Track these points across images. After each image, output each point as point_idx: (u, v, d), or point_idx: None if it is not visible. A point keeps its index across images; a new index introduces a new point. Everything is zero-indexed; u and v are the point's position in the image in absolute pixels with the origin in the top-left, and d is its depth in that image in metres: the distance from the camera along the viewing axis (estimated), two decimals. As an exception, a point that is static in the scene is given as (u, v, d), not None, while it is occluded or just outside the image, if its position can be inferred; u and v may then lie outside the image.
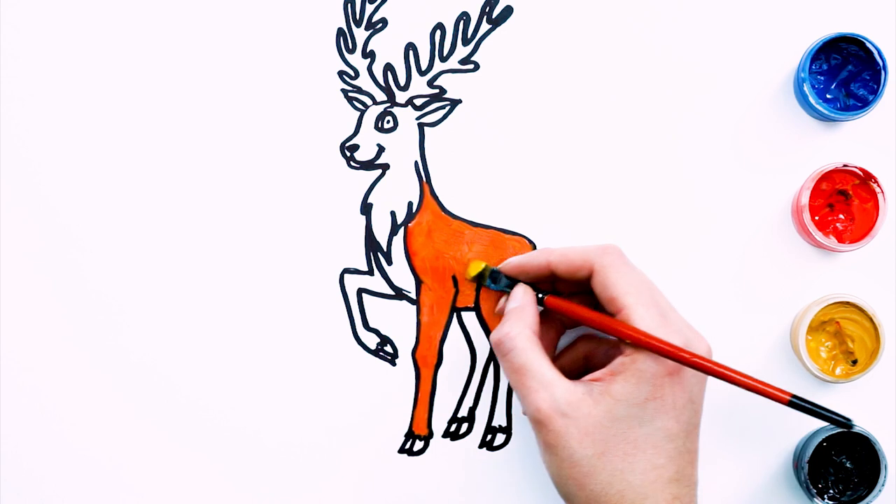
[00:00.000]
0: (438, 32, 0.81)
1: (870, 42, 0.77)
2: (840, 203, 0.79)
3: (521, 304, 0.75)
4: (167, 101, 0.82)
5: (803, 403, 0.69)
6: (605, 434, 0.69)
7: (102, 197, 0.82)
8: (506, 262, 0.77)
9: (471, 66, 0.81)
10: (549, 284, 0.77)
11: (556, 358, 0.78)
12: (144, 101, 0.82)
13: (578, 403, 0.70)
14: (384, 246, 0.82)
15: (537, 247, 0.81)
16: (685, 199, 0.81)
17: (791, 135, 0.80)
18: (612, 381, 0.70)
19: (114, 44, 0.82)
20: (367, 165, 0.82)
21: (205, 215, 0.82)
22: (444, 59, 0.81)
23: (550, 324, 0.77)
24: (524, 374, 0.71)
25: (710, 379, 0.80)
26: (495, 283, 0.77)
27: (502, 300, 0.77)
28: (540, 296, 0.75)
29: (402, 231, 0.82)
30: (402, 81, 0.81)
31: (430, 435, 0.82)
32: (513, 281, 0.77)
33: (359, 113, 0.82)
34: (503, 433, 0.82)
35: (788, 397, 0.69)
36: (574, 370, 0.77)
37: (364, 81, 0.82)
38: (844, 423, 0.69)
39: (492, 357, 0.82)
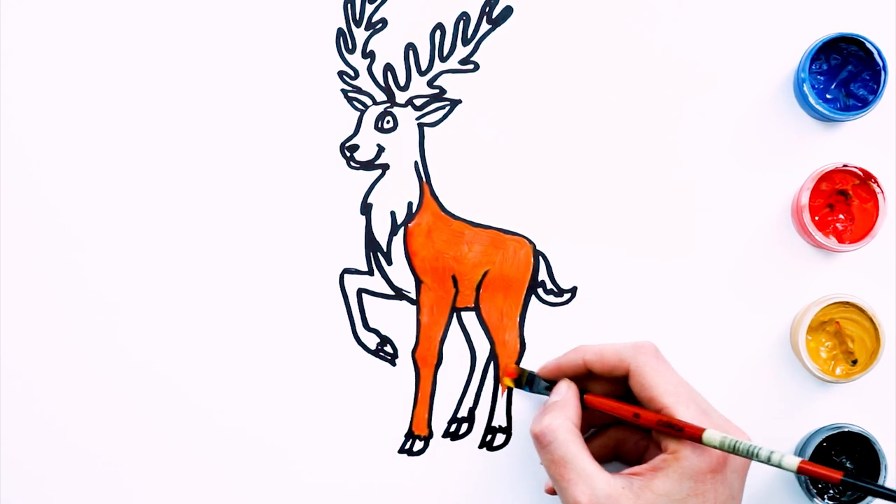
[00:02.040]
0: (438, 32, 0.81)
1: (870, 42, 0.77)
2: (840, 203, 0.79)
3: (564, 399, 0.75)
4: (167, 102, 0.82)
5: (856, 482, 0.69)
6: None
7: (102, 197, 0.82)
8: (543, 367, 0.78)
9: (471, 67, 0.81)
10: (585, 385, 0.77)
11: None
12: (144, 101, 0.82)
13: (618, 498, 0.69)
14: (384, 246, 0.82)
15: (536, 246, 0.81)
16: (685, 199, 0.81)
17: (791, 135, 0.80)
18: (654, 477, 0.70)
19: (114, 44, 0.82)
20: (367, 165, 0.82)
21: (205, 215, 0.82)
22: (444, 60, 0.81)
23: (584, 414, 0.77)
24: (564, 466, 0.71)
25: (703, 377, 0.81)
26: (532, 388, 0.78)
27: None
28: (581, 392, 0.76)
29: (402, 231, 0.82)
30: (402, 81, 0.82)
31: (430, 435, 0.82)
32: (550, 383, 0.77)
33: (359, 113, 0.82)
34: (503, 433, 0.82)
35: (840, 476, 0.69)
36: (604, 458, 0.77)
37: (364, 81, 0.82)
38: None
39: (492, 357, 0.82)
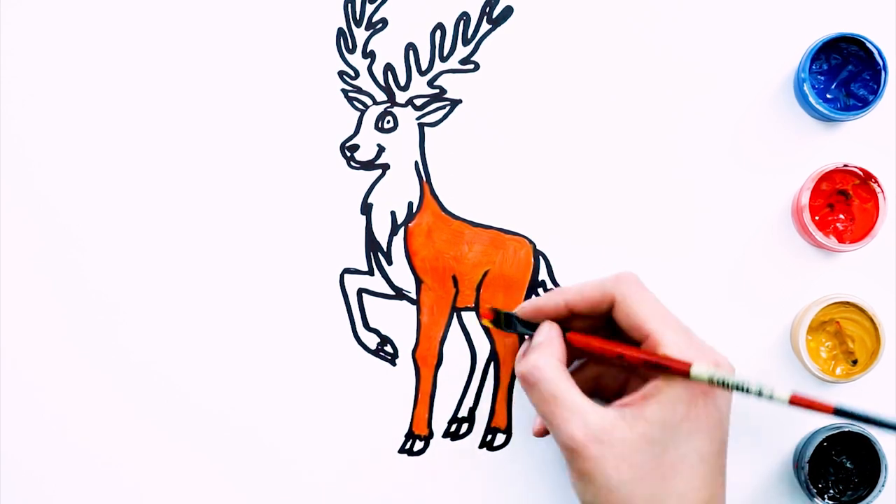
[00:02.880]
0: (438, 32, 0.81)
1: (870, 42, 0.77)
2: (840, 203, 0.79)
3: (547, 338, 0.74)
4: (167, 102, 0.82)
5: (849, 410, 0.68)
6: (641, 458, 0.69)
7: (102, 197, 0.82)
8: (521, 307, 0.76)
9: (471, 66, 0.81)
10: (565, 323, 0.76)
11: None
12: (144, 101, 0.82)
13: (612, 429, 0.69)
14: (384, 246, 0.82)
15: (536, 246, 0.81)
16: (685, 199, 0.81)
17: (791, 135, 0.80)
18: (646, 405, 0.69)
19: (114, 44, 0.82)
20: (368, 165, 0.82)
21: (205, 215, 0.82)
22: (444, 59, 0.81)
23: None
24: (555, 403, 0.70)
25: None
26: (509, 327, 0.77)
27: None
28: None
29: (402, 231, 0.82)
30: (403, 81, 0.82)
31: (430, 435, 0.82)
32: (530, 325, 0.76)
33: (359, 113, 0.82)
34: (503, 433, 0.82)
35: (832, 409, 0.68)
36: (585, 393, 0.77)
37: (364, 81, 0.82)
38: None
39: (492, 357, 0.82)
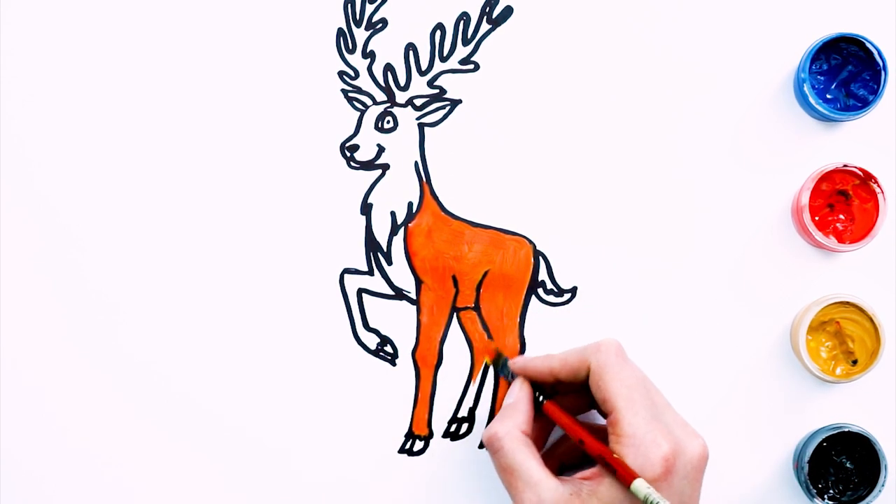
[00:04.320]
0: (438, 32, 0.81)
1: (870, 42, 0.77)
2: (840, 203, 0.79)
3: (515, 402, 0.74)
4: (167, 102, 0.82)
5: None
6: None
7: (102, 197, 0.82)
8: (514, 361, 0.77)
9: (471, 66, 0.81)
10: (552, 385, 0.76)
11: (554, 446, 0.78)
12: (144, 101, 0.82)
13: None
14: (384, 246, 0.82)
15: (536, 246, 0.81)
16: (685, 199, 0.81)
17: (791, 135, 0.80)
18: (600, 483, 0.69)
19: (114, 44, 0.82)
20: (367, 165, 0.82)
21: (205, 215, 0.82)
22: (444, 60, 0.81)
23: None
24: (511, 473, 0.71)
25: (703, 377, 0.81)
26: (504, 374, 0.78)
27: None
28: (541, 398, 0.75)
29: (402, 231, 0.82)
30: (402, 81, 0.82)
31: (430, 435, 0.82)
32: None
33: (359, 113, 0.82)
34: (503, 433, 0.82)
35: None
36: (573, 459, 0.77)
37: (364, 81, 0.82)
38: None
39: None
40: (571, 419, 0.73)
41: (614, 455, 0.69)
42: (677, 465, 0.69)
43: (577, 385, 0.75)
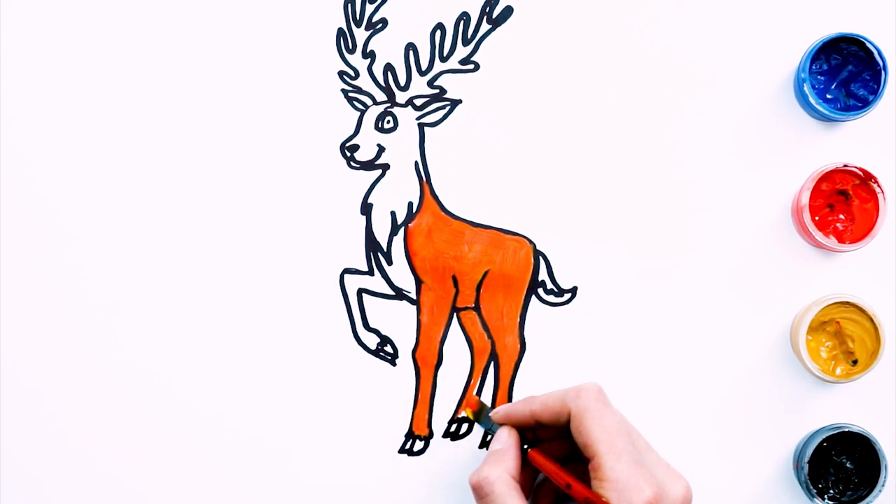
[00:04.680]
0: (438, 32, 0.81)
1: (870, 42, 0.77)
2: (840, 203, 0.79)
3: (504, 448, 0.74)
4: (167, 102, 0.82)
5: None
6: None
7: (102, 197, 0.82)
8: (495, 411, 0.76)
9: (471, 66, 0.81)
10: (534, 431, 0.76)
11: (541, 488, 0.78)
12: (145, 101, 0.82)
13: None
14: (384, 246, 0.82)
15: (536, 246, 0.81)
16: (685, 199, 0.81)
17: (791, 135, 0.80)
18: None
19: (114, 44, 0.82)
20: (368, 165, 0.82)
21: (205, 215, 0.82)
22: (444, 60, 0.81)
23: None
24: None
25: (703, 377, 0.80)
26: (484, 423, 0.77)
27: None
28: (525, 447, 0.74)
29: (402, 231, 0.82)
30: (403, 81, 0.82)
31: (430, 435, 0.82)
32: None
33: (359, 113, 0.82)
34: (503, 433, 0.82)
35: None
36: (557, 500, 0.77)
37: (364, 81, 0.82)
38: None
39: (492, 357, 0.82)
40: (556, 466, 0.73)
41: (603, 499, 0.69)
42: None
43: (560, 429, 0.75)
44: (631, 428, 0.72)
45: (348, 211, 0.82)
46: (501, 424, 0.75)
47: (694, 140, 0.81)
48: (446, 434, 0.82)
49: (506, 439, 0.75)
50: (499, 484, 0.71)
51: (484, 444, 0.82)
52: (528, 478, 0.76)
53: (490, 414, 0.76)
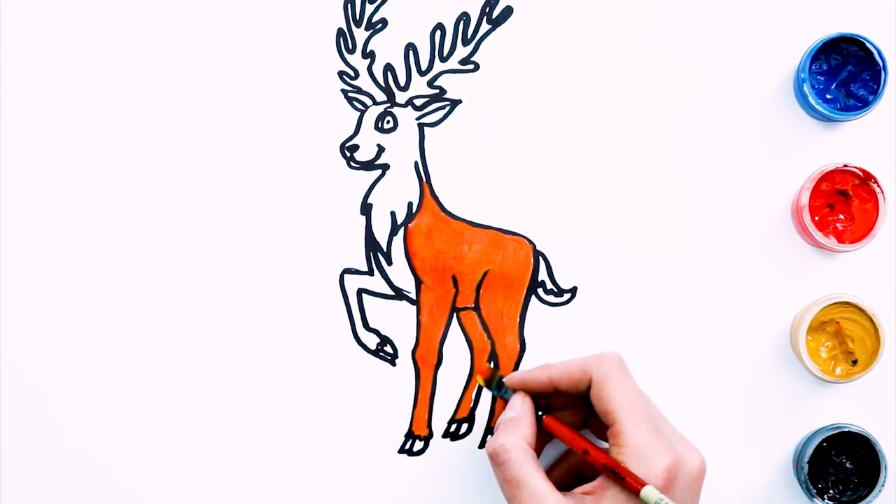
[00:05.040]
0: (438, 33, 0.81)
1: (870, 42, 0.77)
2: (840, 203, 0.79)
3: (518, 415, 0.74)
4: (167, 102, 0.82)
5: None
6: None
7: (102, 197, 0.82)
8: (510, 377, 0.77)
9: (471, 67, 0.81)
10: (547, 399, 0.76)
11: (551, 465, 0.79)
12: (144, 101, 0.82)
13: None
14: (384, 246, 0.82)
15: (536, 246, 0.81)
16: (685, 199, 0.81)
17: (791, 135, 0.80)
18: (602, 496, 0.70)
19: (114, 44, 0.82)
20: (367, 165, 0.82)
21: (205, 215, 0.82)
22: (444, 60, 0.81)
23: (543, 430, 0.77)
24: (517, 486, 0.71)
25: (703, 377, 0.80)
26: (500, 392, 0.77)
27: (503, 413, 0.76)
28: (539, 413, 0.75)
29: (402, 231, 0.82)
30: (402, 81, 0.82)
31: (430, 435, 0.82)
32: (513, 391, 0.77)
33: (359, 113, 0.82)
34: (503, 433, 0.82)
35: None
36: (567, 480, 0.78)
37: (364, 82, 0.82)
38: None
39: (492, 357, 0.82)
40: (573, 432, 0.73)
41: (622, 465, 0.69)
42: (678, 477, 0.70)
43: (573, 399, 0.75)
44: (648, 399, 0.73)
45: (348, 211, 0.82)
46: (515, 391, 0.76)
47: (694, 140, 0.81)
48: (446, 434, 0.82)
49: (520, 406, 0.75)
50: (515, 451, 0.72)
51: (483, 443, 0.82)
52: (541, 446, 0.76)
53: (504, 380, 0.76)
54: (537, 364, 0.81)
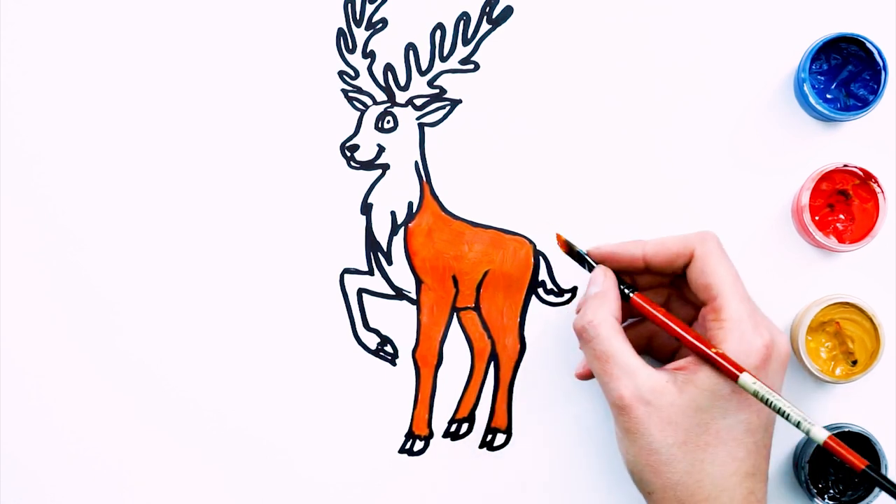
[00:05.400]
0: (438, 32, 0.81)
1: (870, 42, 0.77)
2: (840, 203, 0.79)
3: (604, 290, 0.74)
4: (167, 102, 0.82)
5: (876, 476, 0.68)
6: (686, 423, 0.69)
7: (102, 197, 0.82)
8: (596, 247, 0.76)
9: (471, 66, 0.81)
10: (634, 275, 0.76)
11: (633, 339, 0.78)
12: (145, 101, 0.82)
13: (662, 391, 0.69)
14: (384, 246, 0.82)
15: (536, 246, 0.81)
16: (685, 200, 0.81)
17: (791, 135, 0.80)
18: (698, 371, 0.70)
19: (114, 44, 0.82)
20: (368, 165, 0.82)
21: (205, 215, 0.82)
22: (444, 59, 0.81)
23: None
24: (607, 361, 0.71)
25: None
26: (578, 261, 0.76)
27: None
28: (626, 291, 0.74)
29: (402, 231, 0.82)
30: (403, 81, 0.82)
31: (430, 435, 0.82)
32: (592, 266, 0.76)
33: (359, 113, 0.82)
34: (503, 433, 0.82)
35: (863, 466, 0.68)
36: (636, 350, 0.77)
37: (364, 81, 0.82)
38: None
39: (492, 357, 0.82)
40: (664, 311, 0.73)
41: (714, 350, 0.69)
42: (773, 357, 0.70)
43: (655, 280, 0.75)
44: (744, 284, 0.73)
45: (348, 211, 0.82)
46: (597, 264, 0.75)
47: (694, 140, 0.81)
48: (446, 434, 0.82)
49: (602, 281, 0.74)
50: (605, 327, 0.72)
51: (483, 443, 0.82)
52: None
53: (590, 250, 0.76)
54: (537, 363, 0.81)
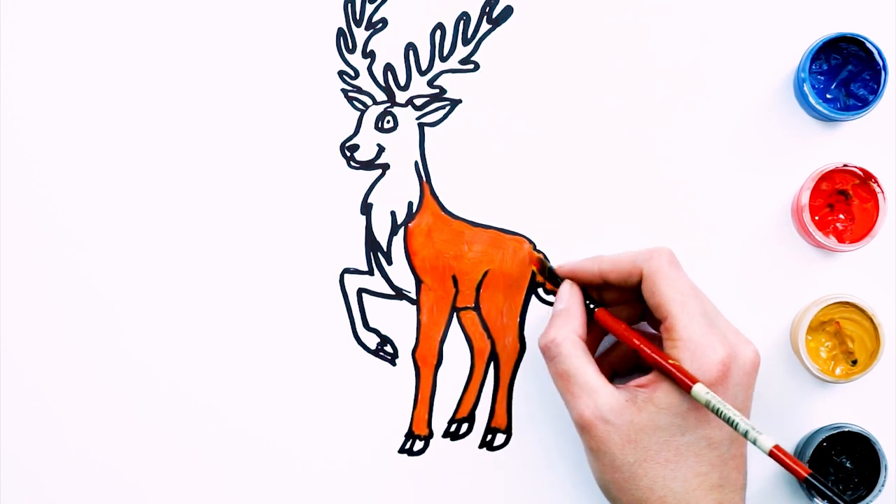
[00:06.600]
0: (438, 32, 0.81)
1: (870, 42, 0.77)
2: (840, 203, 0.79)
3: (568, 307, 0.74)
4: (167, 102, 0.82)
5: (817, 484, 0.68)
6: (646, 442, 0.69)
7: (102, 197, 0.82)
8: (560, 265, 0.77)
9: (471, 66, 0.81)
10: (600, 292, 0.77)
11: (606, 353, 0.79)
12: (145, 101, 0.82)
13: (621, 410, 0.70)
14: (384, 246, 0.82)
15: (536, 246, 0.81)
16: (685, 200, 0.81)
17: (791, 135, 0.80)
18: (656, 389, 0.70)
19: (114, 44, 0.82)
20: (367, 165, 0.82)
21: (205, 215, 0.82)
22: (444, 59, 0.81)
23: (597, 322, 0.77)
24: (568, 379, 0.71)
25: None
26: (551, 278, 0.77)
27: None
28: (591, 306, 0.75)
29: (402, 231, 0.82)
30: (403, 81, 0.82)
31: (430, 435, 0.82)
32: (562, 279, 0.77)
33: (359, 113, 0.82)
34: (503, 433, 0.82)
35: (805, 475, 0.68)
36: (624, 367, 0.78)
37: (364, 81, 0.82)
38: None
39: (492, 357, 0.82)
40: (625, 326, 0.73)
41: (670, 361, 0.69)
42: (732, 371, 0.70)
43: (624, 294, 0.75)
44: (701, 292, 0.72)
45: (348, 211, 0.82)
46: (563, 280, 0.76)
47: (694, 140, 0.81)
48: (446, 434, 0.82)
49: (567, 298, 0.75)
50: (566, 345, 0.72)
51: (483, 443, 0.82)
52: (598, 339, 0.77)
53: (555, 267, 0.77)
54: (537, 363, 0.81)
